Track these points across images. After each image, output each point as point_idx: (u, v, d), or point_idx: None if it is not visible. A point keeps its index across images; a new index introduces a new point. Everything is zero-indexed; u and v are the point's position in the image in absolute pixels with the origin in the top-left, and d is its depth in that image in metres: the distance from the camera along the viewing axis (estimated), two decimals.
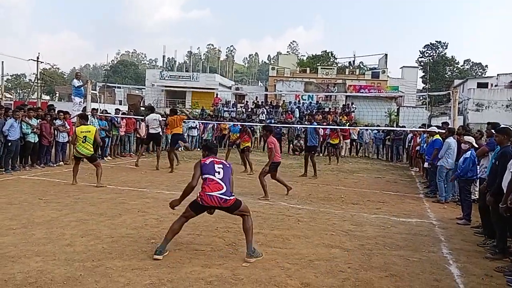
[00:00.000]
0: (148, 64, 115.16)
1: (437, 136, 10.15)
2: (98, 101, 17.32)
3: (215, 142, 13.16)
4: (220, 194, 4.70)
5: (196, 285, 3.99)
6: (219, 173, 4.82)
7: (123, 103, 36.56)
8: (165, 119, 14.11)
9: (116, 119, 14.90)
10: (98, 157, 9.77)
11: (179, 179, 10.67)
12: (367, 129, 20.86)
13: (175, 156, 12.41)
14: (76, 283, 3.88)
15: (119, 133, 14.96)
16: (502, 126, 6.11)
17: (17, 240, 5.09)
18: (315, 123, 13.47)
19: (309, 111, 30.92)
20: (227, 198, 4.75)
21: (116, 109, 16.53)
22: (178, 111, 14.31)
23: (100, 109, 15.44)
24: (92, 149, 9.19)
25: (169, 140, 13.36)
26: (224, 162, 5.03)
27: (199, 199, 4.75)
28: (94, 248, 4.92)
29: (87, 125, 9.42)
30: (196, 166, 4.98)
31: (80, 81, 14.00)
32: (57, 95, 50.68)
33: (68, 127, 12.40)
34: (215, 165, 4.88)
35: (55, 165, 11.95)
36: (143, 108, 24.19)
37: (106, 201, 7.65)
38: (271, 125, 12.26)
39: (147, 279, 4.06)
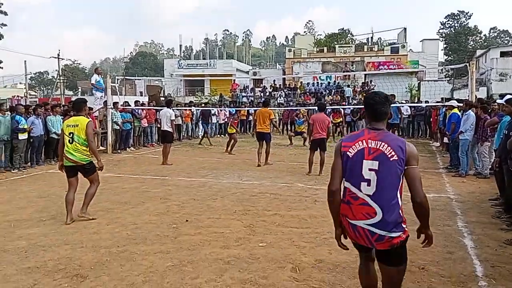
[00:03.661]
0: (166, 53, 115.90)
1: (455, 110, 10.04)
2: (118, 94, 17.66)
3: None
4: (369, 224, 2.64)
5: (215, 265, 4.21)
6: (368, 183, 2.63)
7: (144, 94, 37.14)
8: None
9: (137, 111, 15.26)
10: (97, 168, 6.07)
11: (199, 165, 10.95)
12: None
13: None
14: (103, 268, 4.15)
15: (140, 124, 15.32)
16: (510, 97, 6.04)
17: (47, 230, 5.42)
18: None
19: (327, 91, 30.76)
20: (384, 234, 2.61)
21: (136, 101, 16.87)
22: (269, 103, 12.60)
23: (121, 102, 15.78)
24: (86, 153, 5.84)
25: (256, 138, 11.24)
26: (386, 149, 2.61)
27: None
28: (119, 235, 5.19)
29: (79, 116, 5.99)
30: (335, 154, 2.83)
31: (101, 76, 14.37)
32: (80, 90, 51.76)
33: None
34: (365, 161, 2.66)
35: None
36: (163, 98, 24.58)
37: (129, 190, 7.96)
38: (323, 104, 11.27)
39: (169, 262, 4.30)
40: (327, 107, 18.45)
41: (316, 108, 10.48)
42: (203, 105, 21.92)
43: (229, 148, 13.80)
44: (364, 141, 2.69)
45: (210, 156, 12.86)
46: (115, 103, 14.14)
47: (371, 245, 2.68)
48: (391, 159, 2.60)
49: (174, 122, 11.56)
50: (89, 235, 5.19)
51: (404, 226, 2.67)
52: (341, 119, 19.07)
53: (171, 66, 47.73)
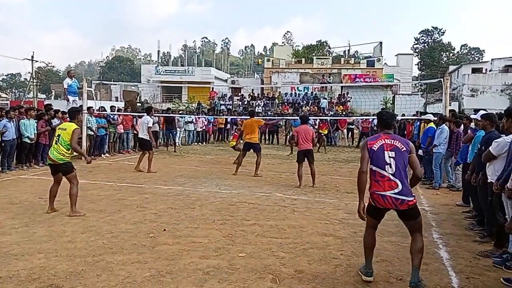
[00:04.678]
0: (143, 59, 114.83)
1: (431, 124, 10.31)
2: (94, 99, 17.39)
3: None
4: (394, 193, 3.84)
5: (194, 275, 4.15)
6: (390, 165, 3.89)
7: (120, 99, 36.60)
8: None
9: (112, 116, 15.00)
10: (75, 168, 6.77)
11: (177, 173, 10.83)
12: (363, 119, 20.98)
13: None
14: (78, 278, 4.03)
15: (116, 130, 15.06)
16: (485, 112, 6.26)
17: (20, 238, 5.23)
18: None
19: (305, 102, 31.10)
20: (404, 198, 3.84)
21: (111, 106, 16.58)
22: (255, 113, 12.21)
23: (97, 107, 15.46)
24: (65, 155, 6.50)
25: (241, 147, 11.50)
26: (398, 144, 3.96)
27: (370, 199, 4.01)
28: (95, 244, 5.07)
29: (71, 122, 6.80)
30: (363, 149, 4.09)
31: (74, 79, 14.05)
32: (53, 93, 50.56)
33: None
34: (385, 152, 3.93)
35: None
36: (140, 104, 24.28)
37: (105, 198, 7.79)
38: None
39: (147, 272, 4.21)
40: (315, 118, 18.81)
41: (299, 119, 10.54)
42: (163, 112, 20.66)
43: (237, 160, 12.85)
44: (382, 139, 4.01)
45: (188, 164, 12.74)
46: (89, 108, 13.86)
47: (396, 207, 3.86)
48: (402, 150, 3.93)
49: (150, 130, 11.35)
50: (64, 244, 5.04)
51: (413, 194, 3.91)
52: (328, 130, 19.28)
53: (148, 71, 47.30)
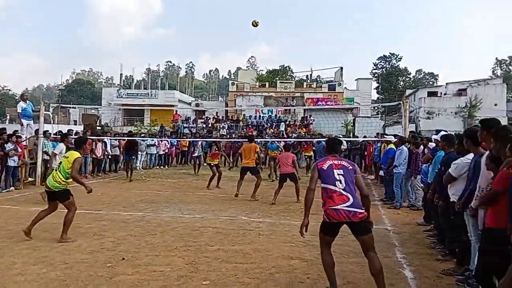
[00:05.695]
0: (104, 82, 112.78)
1: (391, 145, 10.57)
2: (52, 122, 16.72)
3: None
4: (346, 206, 4.05)
5: None
6: (340, 181, 4.16)
7: (79, 123, 35.52)
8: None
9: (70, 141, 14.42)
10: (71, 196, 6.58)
11: (136, 199, 10.48)
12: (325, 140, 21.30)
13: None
14: None
15: None
16: (445, 133, 6.46)
17: None
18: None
19: (269, 124, 31.35)
20: (356, 210, 4.05)
21: (69, 130, 16.03)
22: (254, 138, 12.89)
23: (54, 131, 14.89)
24: (61, 183, 6.41)
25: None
26: (345, 163, 4.33)
27: (325, 216, 4.16)
28: (47, 276, 4.72)
29: (75, 151, 6.79)
30: (313, 170, 4.42)
31: (28, 102, 13.50)
32: (8, 117, 48.43)
33: (20, 150, 11.91)
34: (334, 170, 4.23)
35: (4, 191, 11.39)
36: (99, 128, 23.61)
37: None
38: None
39: None
40: (298, 140, 19.03)
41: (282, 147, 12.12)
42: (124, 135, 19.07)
43: (215, 183, 13.10)
44: (330, 160, 4.35)
45: (149, 189, 12.38)
46: (45, 132, 13.30)
47: (349, 219, 4.03)
48: (349, 168, 4.29)
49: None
50: (12, 277, 4.67)
51: (363, 208, 4.12)
52: (312, 152, 19.14)
53: (110, 95, 46.30)
